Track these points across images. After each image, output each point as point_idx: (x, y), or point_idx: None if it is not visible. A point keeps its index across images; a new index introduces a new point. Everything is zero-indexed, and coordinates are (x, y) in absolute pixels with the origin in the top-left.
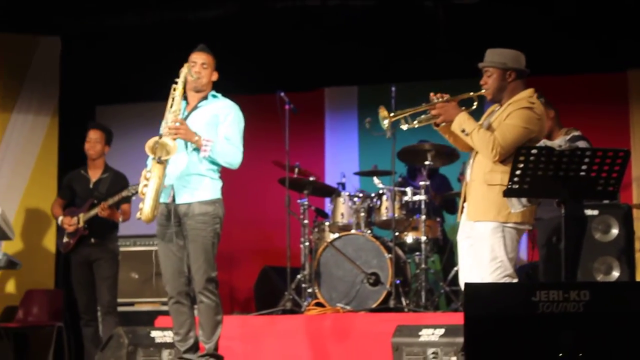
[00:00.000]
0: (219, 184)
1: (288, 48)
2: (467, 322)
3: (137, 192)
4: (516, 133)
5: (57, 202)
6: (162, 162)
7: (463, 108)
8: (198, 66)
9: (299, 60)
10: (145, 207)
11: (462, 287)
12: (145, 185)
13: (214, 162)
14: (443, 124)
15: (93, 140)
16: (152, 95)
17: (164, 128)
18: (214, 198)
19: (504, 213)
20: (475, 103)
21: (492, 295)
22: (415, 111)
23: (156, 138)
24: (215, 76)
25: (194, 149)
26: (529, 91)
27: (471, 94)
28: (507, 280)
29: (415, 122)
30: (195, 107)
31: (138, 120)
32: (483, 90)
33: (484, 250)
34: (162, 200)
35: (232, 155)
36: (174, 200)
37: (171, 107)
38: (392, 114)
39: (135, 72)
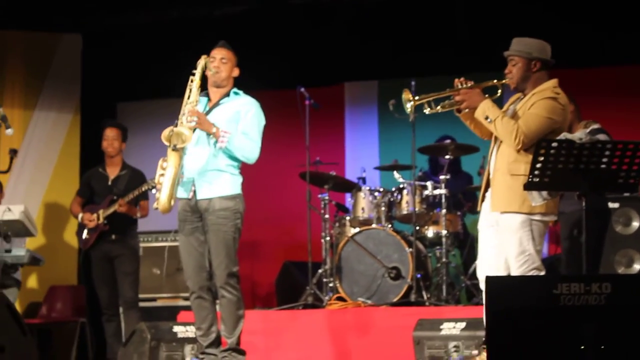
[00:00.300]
0: (239, 179)
1: (308, 43)
2: (489, 315)
3: (154, 187)
4: (540, 122)
5: (75, 201)
6: (177, 150)
7: (487, 96)
8: (217, 61)
9: (319, 55)
10: (162, 197)
11: (479, 274)
12: (162, 175)
13: (233, 158)
14: (466, 110)
15: (111, 138)
16: (173, 92)
17: (180, 118)
18: (234, 193)
19: (528, 203)
20: (499, 91)
21: (514, 288)
22: (439, 96)
23: (172, 127)
24: (236, 72)
25: (215, 144)
26: (554, 81)
27: (495, 81)
28: (534, 273)
29: (439, 107)
30: (217, 104)
31: (159, 117)
32: (507, 79)
33: (511, 243)
34: (183, 195)
35: (250, 149)
36: (194, 195)
37: (188, 98)
38: (416, 97)
39: (156, 68)
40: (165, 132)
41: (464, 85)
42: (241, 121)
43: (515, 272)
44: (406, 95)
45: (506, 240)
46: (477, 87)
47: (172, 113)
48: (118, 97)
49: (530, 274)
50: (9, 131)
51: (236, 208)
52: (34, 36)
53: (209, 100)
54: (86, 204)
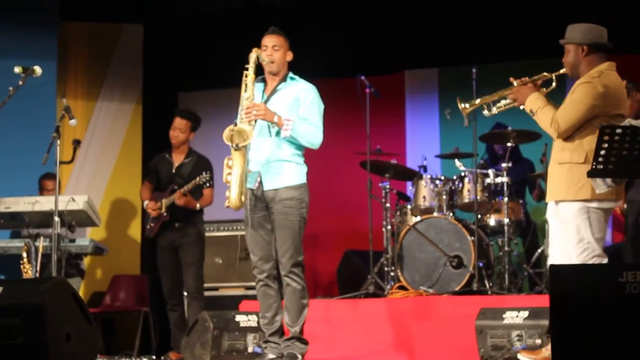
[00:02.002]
0: (304, 168)
1: (369, 32)
2: (553, 303)
3: (208, 181)
4: (575, 109)
5: (145, 186)
6: (240, 149)
7: (543, 89)
8: (270, 49)
9: (379, 43)
10: (232, 195)
11: (549, 261)
12: (229, 174)
13: (296, 145)
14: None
15: (177, 129)
16: (233, 81)
17: (240, 114)
18: (300, 183)
19: (583, 191)
20: (554, 83)
21: (578, 277)
22: (495, 98)
23: (231, 126)
24: (289, 56)
25: (277, 134)
26: (603, 65)
27: (545, 73)
28: (596, 260)
29: (494, 109)
30: (274, 91)
31: (220, 106)
32: (562, 70)
33: (570, 232)
34: (249, 186)
35: (313, 134)
36: (261, 185)
37: (245, 92)
38: (467, 105)
39: (217, 58)
40: (226, 132)
41: (520, 83)
42: (300, 107)
43: (575, 261)
44: (461, 104)
45: (565, 229)
46: (531, 82)
47: (232, 102)
48: (179, 87)
49: (591, 262)
50: (73, 122)
51: (302, 197)
52: (96, 27)
53: (266, 86)
54: (154, 189)
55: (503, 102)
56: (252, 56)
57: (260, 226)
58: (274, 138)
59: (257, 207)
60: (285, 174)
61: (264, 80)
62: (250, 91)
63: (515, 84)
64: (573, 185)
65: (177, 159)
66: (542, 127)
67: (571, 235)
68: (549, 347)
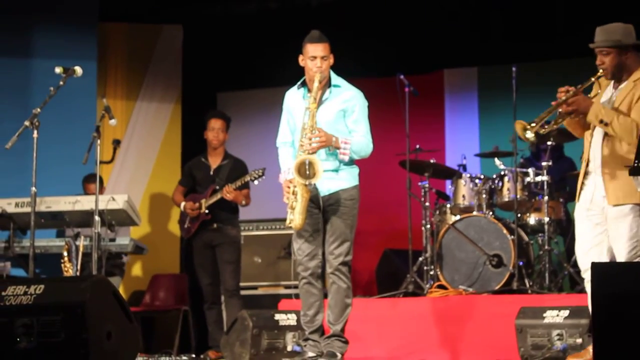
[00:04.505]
0: (356, 170)
1: (408, 31)
2: (595, 302)
3: (257, 178)
4: None
5: (177, 190)
6: (310, 186)
7: (590, 96)
8: (319, 61)
9: (418, 42)
10: (297, 220)
11: (581, 263)
12: (290, 198)
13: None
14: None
15: (217, 129)
16: (272, 82)
17: (301, 141)
18: (353, 185)
19: None
20: (600, 91)
21: (621, 275)
22: (550, 114)
23: (305, 157)
24: (332, 59)
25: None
26: None
27: (592, 79)
28: None
29: (553, 124)
30: (320, 102)
31: (258, 107)
32: (600, 72)
33: (621, 230)
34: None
35: (365, 148)
36: (316, 189)
37: (306, 122)
38: (532, 125)
39: (256, 58)
40: (297, 163)
41: (569, 94)
42: (348, 118)
43: (622, 258)
44: (518, 126)
45: (614, 228)
46: (579, 91)
47: (270, 102)
48: (218, 87)
49: (637, 260)
50: (113, 122)
51: (355, 198)
52: (136, 28)
53: (308, 91)
54: (188, 193)
55: (559, 117)
56: (315, 83)
57: (310, 224)
58: (326, 149)
59: (310, 207)
60: (340, 178)
61: (304, 84)
62: (311, 121)
63: (563, 97)
64: None
65: (214, 161)
66: (621, 136)
67: (622, 233)
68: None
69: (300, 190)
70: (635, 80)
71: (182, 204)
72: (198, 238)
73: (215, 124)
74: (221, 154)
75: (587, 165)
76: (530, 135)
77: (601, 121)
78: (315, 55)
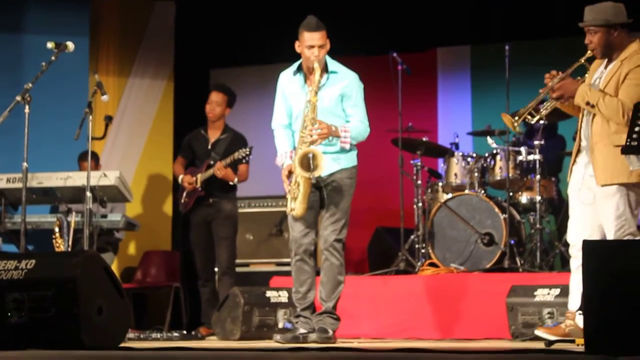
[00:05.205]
0: (354, 152)
1: (400, 9)
2: (586, 280)
3: (245, 157)
4: None
5: (178, 161)
6: (313, 178)
7: (579, 79)
8: (317, 50)
9: (411, 20)
10: (298, 209)
11: (571, 239)
12: (297, 190)
13: None
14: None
15: (214, 102)
16: (265, 59)
17: (302, 134)
18: (352, 165)
19: (636, 172)
20: (587, 74)
21: (613, 253)
22: (537, 102)
23: (308, 150)
24: (329, 46)
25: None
26: (636, 44)
27: (582, 60)
28: (629, 237)
29: (542, 111)
30: (319, 88)
31: (251, 84)
32: (589, 53)
33: (609, 208)
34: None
35: (363, 133)
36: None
37: (309, 112)
38: (516, 118)
39: (249, 34)
40: (300, 156)
41: (555, 80)
42: (345, 102)
43: (611, 237)
44: (505, 118)
45: (602, 206)
46: (567, 75)
47: (264, 80)
48: (211, 64)
49: (625, 238)
50: (105, 97)
51: (353, 178)
52: (128, 4)
53: (306, 78)
54: (188, 165)
55: (547, 103)
56: (316, 76)
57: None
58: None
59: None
60: (339, 159)
61: (300, 69)
62: (312, 113)
63: (550, 83)
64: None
65: (213, 135)
66: (608, 116)
67: (609, 211)
68: (567, 322)
69: (303, 182)
70: (623, 59)
71: (180, 177)
72: (195, 214)
73: (213, 97)
74: (220, 127)
75: (579, 144)
76: (516, 126)
77: (587, 103)
78: (312, 44)
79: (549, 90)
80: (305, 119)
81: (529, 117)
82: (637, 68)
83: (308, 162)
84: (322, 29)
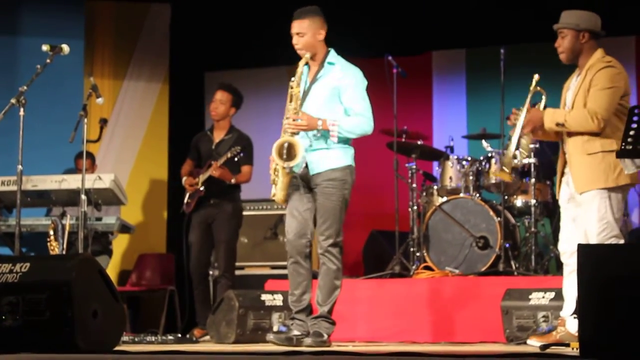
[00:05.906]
0: (350, 151)
1: (395, 11)
2: (582, 284)
3: (238, 154)
4: (608, 95)
5: (187, 163)
6: (291, 171)
7: (538, 104)
8: (295, 37)
9: (406, 23)
10: (278, 195)
11: (561, 247)
12: (276, 177)
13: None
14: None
15: (217, 101)
16: (260, 62)
17: (283, 124)
18: (344, 165)
19: (612, 177)
20: (543, 97)
21: (608, 257)
22: (517, 143)
23: (285, 139)
24: (321, 35)
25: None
26: (600, 51)
27: (538, 88)
28: (613, 241)
29: (522, 149)
30: (314, 80)
31: (246, 87)
32: (536, 77)
33: (591, 212)
34: (295, 170)
35: (362, 125)
36: (307, 169)
37: (290, 103)
38: (505, 169)
39: (244, 37)
40: (277, 144)
41: (521, 116)
42: (342, 95)
43: (594, 240)
44: (502, 174)
45: (584, 211)
46: (527, 106)
47: (259, 83)
48: (206, 67)
49: (609, 242)
50: (100, 100)
51: (345, 179)
52: (124, 6)
53: (310, 70)
54: (196, 167)
55: (523, 141)
56: (300, 67)
57: (301, 203)
58: (313, 131)
59: (300, 185)
60: (330, 157)
61: (307, 63)
62: (295, 103)
63: (514, 120)
64: (611, 173)
65: (218, 135)
66: (580, 128)
67: (591, 215)
68: (559, 329)
69: (280, 171)
70: (588, 68)
71: (184, 178)
72: (197, 214)
73: (217, 96)
74: (225, 127)
75: (564, 155)
76: (505, 172)
77: (557, 124)
78: (292, 33)
79: (521, 130)
80: (287, 108)
81: (516, 161)
82: (598, 73)
83: (283, 152)
84: (300, 17)
